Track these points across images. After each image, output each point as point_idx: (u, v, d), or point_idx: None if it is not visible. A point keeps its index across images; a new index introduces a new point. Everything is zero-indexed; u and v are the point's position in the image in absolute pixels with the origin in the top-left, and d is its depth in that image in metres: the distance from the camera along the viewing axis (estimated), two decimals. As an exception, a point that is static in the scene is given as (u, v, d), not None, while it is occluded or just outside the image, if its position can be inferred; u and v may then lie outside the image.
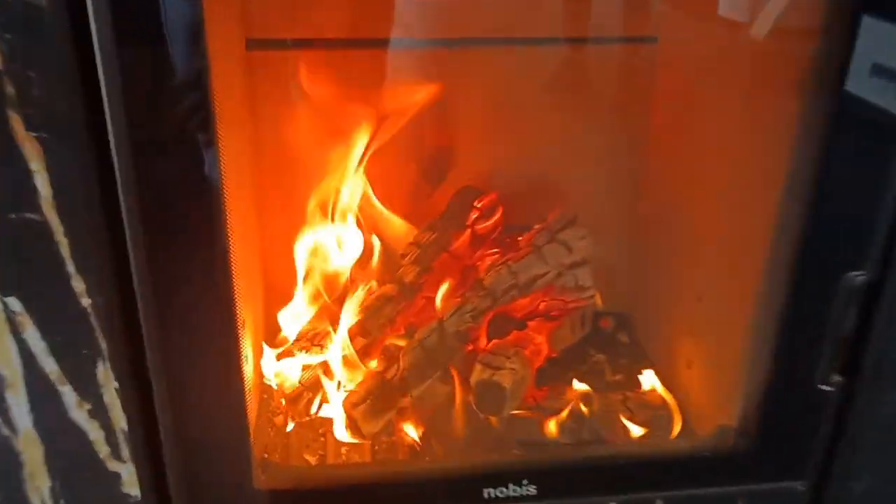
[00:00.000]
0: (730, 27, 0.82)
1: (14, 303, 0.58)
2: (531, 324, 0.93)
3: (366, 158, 0.91)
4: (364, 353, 0.87)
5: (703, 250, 0.89)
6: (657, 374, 0.95)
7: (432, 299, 0.90)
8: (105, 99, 0.54)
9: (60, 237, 0.56)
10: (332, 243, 0.93)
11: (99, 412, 0.62)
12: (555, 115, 0.99)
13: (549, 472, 0.75)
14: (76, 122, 0.54)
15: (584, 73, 1.01)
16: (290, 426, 0.87)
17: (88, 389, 0.61)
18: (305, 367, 0.88)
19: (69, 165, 0.55)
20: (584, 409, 0.87)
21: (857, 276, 0.67)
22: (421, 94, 0.94)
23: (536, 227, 0.90)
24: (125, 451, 0.64)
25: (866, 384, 0.71)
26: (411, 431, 0.86)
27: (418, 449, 0.85)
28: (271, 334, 0.94)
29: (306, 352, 0.88)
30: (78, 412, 0.62)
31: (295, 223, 0.93)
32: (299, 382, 0.87)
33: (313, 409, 0.87)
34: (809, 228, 0.67)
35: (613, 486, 0.76)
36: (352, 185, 0.92)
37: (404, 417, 0.85)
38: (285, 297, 0.94)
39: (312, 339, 0.90)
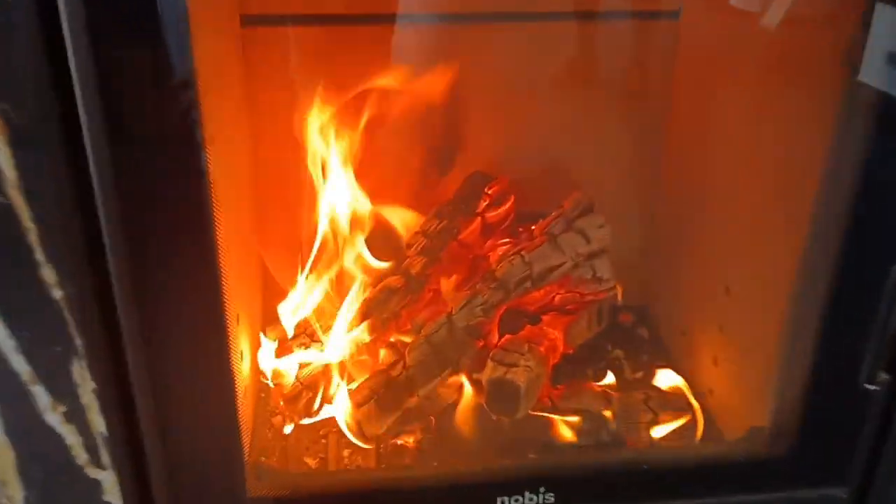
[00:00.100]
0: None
1: (-23, 296, 0.54)
2: (545, 318, 0.90)
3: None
4: (368, 350, 0.85)
5: (733, 238, 0.86)
6: (680, 371, 0.92)
7: (440, 292, 0.88)
8: (73, 71, 0.49)
9: (28, 223, 0.52)
10: (333, 233, 0.90)
11: (75, 415, 0.59)
12: (570, 96, 0.97)
13: (568, 479, 0.73)
14: (43, 94, 0.50)
15: (602, 49, 0.98)
16: (290, 428, 0.85)
17: (63, 390, 0.58)
18: (305, 365, 0.86)
19: (36, 142, 0.51)
20: (603, 409, 0.84)
21: (907, 270, 0.65)
22: (428, 73, 0.91)
23: (553, 214, 0.87)
24: (105, 457, 0.61)
25: (916, 382, 0.68)
26: (418, 434, 0.84)
27: (426, 453, 0.83)
28: (271, 330, 0.91)
29: (305, 348, 0.86)
30: (52, 415, 0.59)
31: (295, 212, 0.90)
32: (298, 380, 0.84)
33: (314, 410, 0.84)
34: (855, 216, 0.64)
35: (637, 494, 0.73)
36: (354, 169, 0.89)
37: (411, 418, 0.83)
38: (286, 291, 0.92)
39: (312, 334, 0.87)
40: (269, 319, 0.91)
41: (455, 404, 0.84)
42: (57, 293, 0.54)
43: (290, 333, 0.89)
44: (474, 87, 0.95)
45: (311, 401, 0.84)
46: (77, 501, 0.63)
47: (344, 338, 0.84)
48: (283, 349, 0.88)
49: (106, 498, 0.63)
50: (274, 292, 0.93)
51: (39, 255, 0.53)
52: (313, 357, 0.85)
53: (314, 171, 0.87)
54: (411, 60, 0.92)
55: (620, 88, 1.00)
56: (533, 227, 0.90)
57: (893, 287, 0.65)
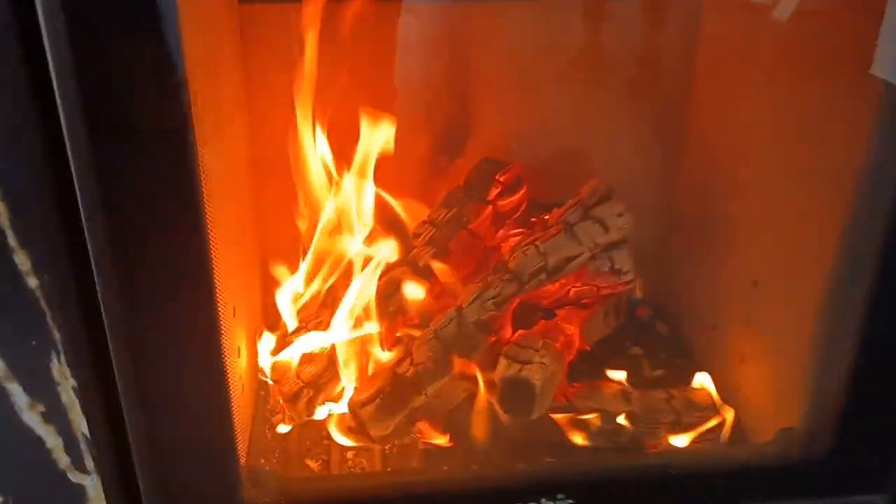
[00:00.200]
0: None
1: (-56, 285, 0.50)
2: (560, 312, 0.87)
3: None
4: (373, 345, 0.82)
5: (761, 229, 0.82)
6: (703, 369, 0.87)
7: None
8: (48, 51, 0.45)
9: (-2, 203, 0.49)
10: (337, 221, 0.86)
11: (55, 415, 0.56)
12: (586, 78, 0.94)
13: (588, 484, 0.70)
14: (9, 53, 0.46)
15: (621, 30, 0.94)
16: (289, 428, 0.82)
17: (41, 388, 0.55)
18: (306, 362, 0.82)
19: (6, 110, 0.47)
20: (622, 409, 0.80)
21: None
22: (436, 53, 0.89)
23: (569, 201, 0.83)
24: (88, 461, 0.59)
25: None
26: (426, 435, 0.81)
27: (434, 455, 0.81)
28: (271, 326, 0.88)
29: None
30: (30, 415, 0.56)
31: (296, 198, 0.87)
32: (299, 377, 0.81)
33: (315, 408, 0.81)
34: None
35: (660, 500, 0.72)
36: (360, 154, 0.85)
37: (418, 418, 0.80)
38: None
39: (314, 330, 0.83)
40: (272, 317, 0.88)
41: (466, 404, 0.80)
42: (32, 281, 0.51)
43: (291, 327, 0.85)
44: (486, 68, 0.93)
45: (313, 399, 0.80)
46: (59, 508, 0.60)
47: (347, 333, 0.81)
48: (283, 345, 0.84)
49: (90, 504, 0.60)
50: (277, 287, 0.89)
51: (11, 240, 0.50)
52: (314, 342, 0.82)
53: (314, 156, 0.83)
54: (420, 40, 0.89)
55: (640, 71, 0.96)
56: (547, 217, 0.86)
57: (941, 280, 0.62)
